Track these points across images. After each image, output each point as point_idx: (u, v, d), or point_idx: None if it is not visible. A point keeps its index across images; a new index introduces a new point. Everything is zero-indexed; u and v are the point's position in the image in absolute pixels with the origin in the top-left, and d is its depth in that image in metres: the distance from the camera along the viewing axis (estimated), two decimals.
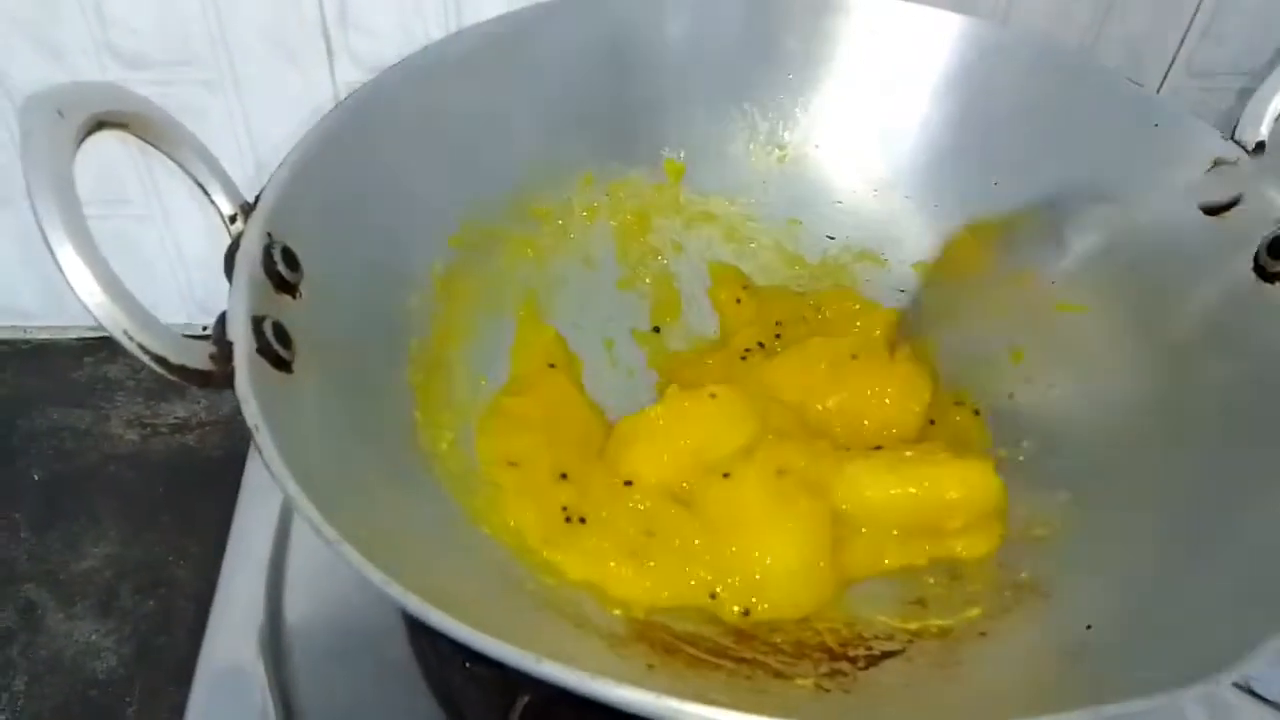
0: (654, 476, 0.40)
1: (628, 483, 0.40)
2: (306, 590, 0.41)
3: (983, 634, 0.35)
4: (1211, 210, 0.39)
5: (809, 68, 0.47)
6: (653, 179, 0.48)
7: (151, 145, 0.32)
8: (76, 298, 0.27)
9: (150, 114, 0.32)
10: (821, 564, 0.37)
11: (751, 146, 0.49)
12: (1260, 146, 0.39)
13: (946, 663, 0.34)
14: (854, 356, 0.43)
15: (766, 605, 0.36)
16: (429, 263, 0.42)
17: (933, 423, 0.43)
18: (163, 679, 0.46)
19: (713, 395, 0.41)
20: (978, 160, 0.46)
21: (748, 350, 0.46)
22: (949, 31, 0.45)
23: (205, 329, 0.30)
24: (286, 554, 0.42)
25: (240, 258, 0.32)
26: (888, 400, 0.42)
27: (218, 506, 0.47)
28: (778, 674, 0.34)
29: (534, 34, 0.43)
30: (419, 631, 0.39)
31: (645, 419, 0.41)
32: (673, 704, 0.24)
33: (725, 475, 0.39)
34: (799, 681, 0.33)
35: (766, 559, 0.37)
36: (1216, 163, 0.39)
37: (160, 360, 0.28)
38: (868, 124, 0.48)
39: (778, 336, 0.46)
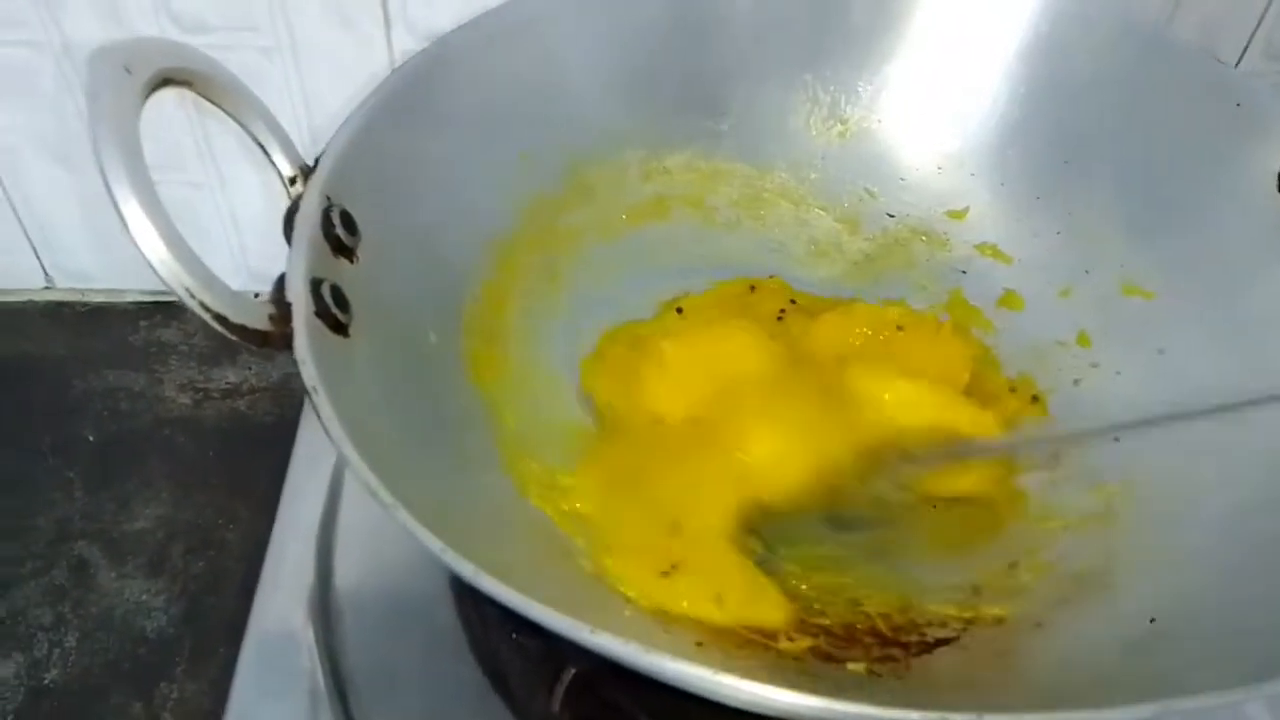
0: (675, 409, 0.40)
1: (654, 420, 0.40)
2: (356, 556, 0.41)
3: (1039, 624, 0.34)
4: None
5: (875, 40, 0.46)
6: (711, 150, 0.47)
7: (214, 104, 0.32)
8: (140, 253, 0.27)
9: (214, 73, 0.32)
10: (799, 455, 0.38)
11: (812, 120, 0.48)
12: None
13: (1002, 652, 0.33)
14: (900, 328, 0.42)
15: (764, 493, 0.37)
16: (486, 231, 0.41)
17: None
18: (211, 639, 0.46)
19: (726, 329, 0.42)
20: (1049, 139, 0.44)
21: (782, 310, 0.45)
22: (1023, 5, 0.44)
23: (257, 296, 0.30)
24: (336, 520, 0.43)
25: (299, 220, 0.32)
26: (929, 369, 0.42)
27: (267, 471, 0.47)
28: (828, 657, 0.33)
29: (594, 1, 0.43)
30: (466, 600, 0.39)
31: (660, 354, 0.41)
32: (729, 680, 0.24)
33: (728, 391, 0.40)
34: (850, 666, 0.33)
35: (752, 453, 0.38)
36: None
37: (220, 319, 0.28)
38: (934, 99, 0.46)
39: None
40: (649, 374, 0.41)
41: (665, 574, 0.35)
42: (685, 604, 0.35)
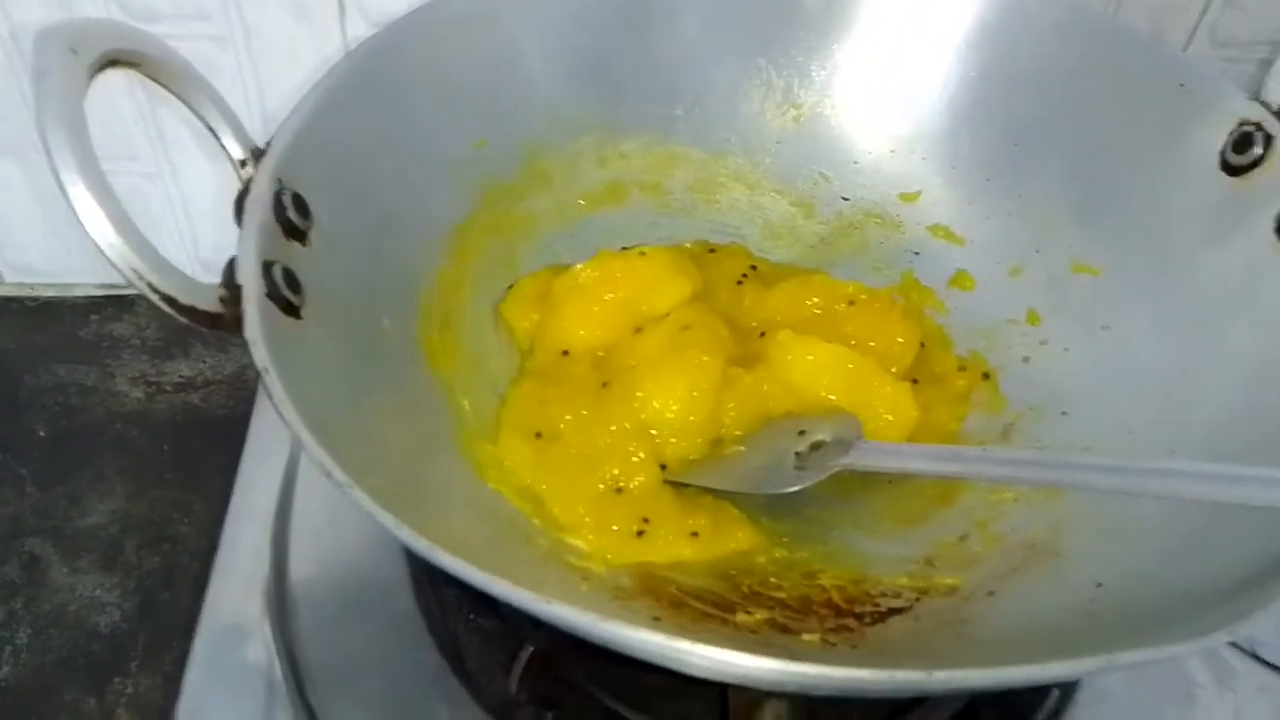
0: (587, 338, 0.41)
1: (564, 353, 0.41)
2: (311, 546, 0.41)
3: (991, 593, 0.35)
4: (1235, 170, 0.38)
5: (828, 25, 0.46)
6: (666, 135, 0.48)
7: (163, 86, 0.32)
8: (87, 236, 0.27)
9: (162, 54, 0.31)
10: (700, 418, 0.38)
11: (766, 105, 0.48)
12: None
13: (954, 620, 0.34)
14: (851, 303, 0.43)
15: (669, 453, 0.38)
16: (441, 216, 0.41)
17: (916, 382, 0.42)
18: (166, 634, 0.46)
19: (642, 253, 0.42)
20: (998, 122, 0.45)
21: (743, 276, 0.45)
22: None
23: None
24: (291, 509, 0.42)
25: (250, 202, 0.32)
26: (872, 345, 0.42)
27: (222, 465, 0.47)
28: (784, 629, 0.33)
29: None
30: (424, 584, 0.39)
31: (573, 276, 0.42)
32: (684, 645, 0.24)
33: (638, 330, 0.40)
34: (805, 636, 0.33)
35: (655, 403, 0.38)
36: (1242, 123, 0.38)
37: (169, 300, 0.28)
38: (886, 84, 0.47)
39: None
40: (563, 297, 0.41)
41: (640, 534, 0.36)
42: (664, 551, 0.36)
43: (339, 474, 0.26)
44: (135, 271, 0.27)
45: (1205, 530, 0.32)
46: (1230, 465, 0.29)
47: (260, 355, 0.28)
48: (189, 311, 0.28)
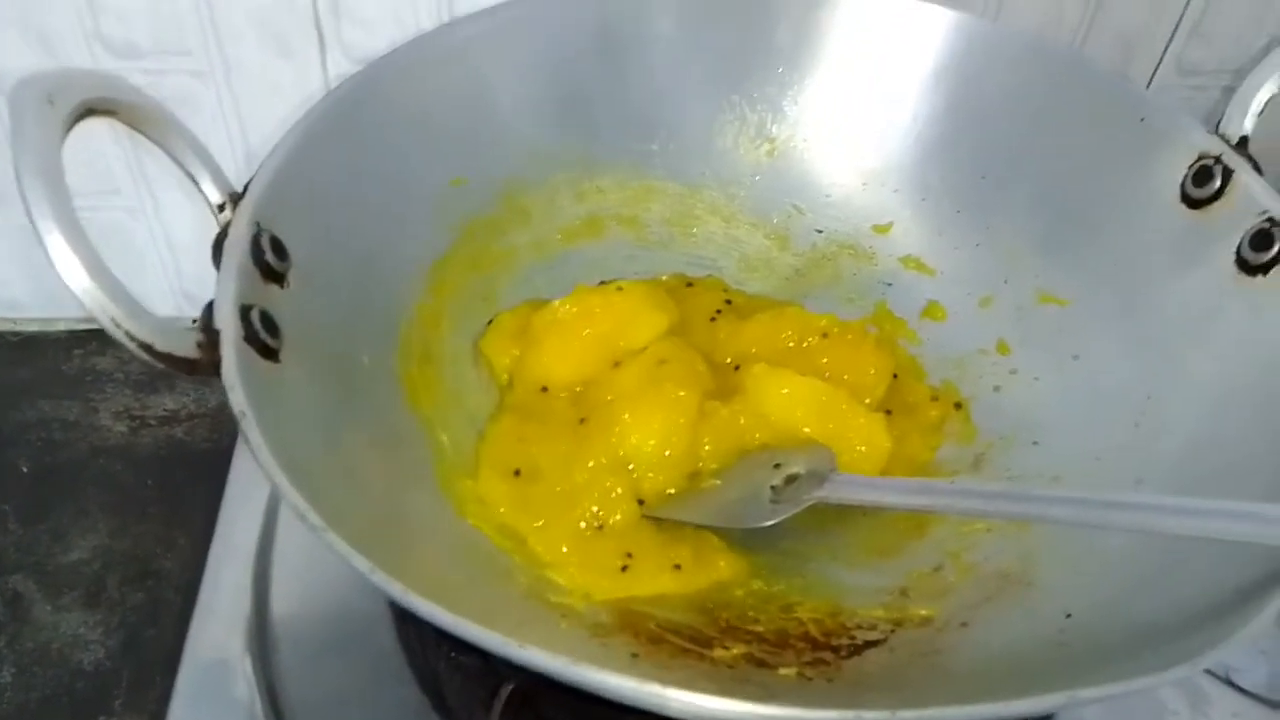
0: (565, 374, 0.41)
1: (543, 388, 0.41)
2: (293, 582, 0.41)
3: (964, 624, 0.35)
4: (1195, 203, 0.39)
5: (799, 61, 0.47)
6: (643, 170, 0.48)
7: (140, 133, 0.33)
8: (64, 284, 0.27)
9: (140, 102, 0.32)
10: (676, 452, 0.39)
11: (740, 139, 0.49)
12: (1244, 141, 0.39)
13: (928, 651, 0.34)
14: (824, 335, 0.43)
15: (646, 488, 0.38)
16: (420, 253, 0.42)
17: (890, 412, 0.43)
18: (150, 671, 0.45)
19: (619, 288, 0.43)
20: (966, 155, 0.46)
21: (718, 310, 0.46)
22: (938, 26, 0.45)
23: (194, 320, 0.30)
24: (273, 546, 0.42)
25: (228, 246, 0.32)
26: (846, 378, 0.42)
27: (206, 499, 0.47)
28: (761, 663, 0.34)
29: (523, 25, 0.44)
30: (405, 621, 0.39)
31: (551, 311, 0.42)
32: (655, 689, 0.25)
33: (616, 365, 0.41)
34: (781, 671, 0.33)
35: (632, 438, 0.38)
36: (1201, 157, 0.39)
37: (146, 347, 0.28)
38: (857, 118, 0.48)
39: None
40: (541, 333, 0.42)
41: (624, 569, 0.37)
42: (648, 585, 0.36)
43: (314, 518, 0.27)
44: (112, 319, 0.28)
45: (1173, 560, 0.33)
46: (1194, 499, 0.30)
47: (238, 400, 0.29)
48: (166, 358, 0.29)
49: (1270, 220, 0.37)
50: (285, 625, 0.40)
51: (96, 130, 0.46)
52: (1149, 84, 0.56)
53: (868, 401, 0.42)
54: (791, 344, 0.43)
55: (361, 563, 0.26)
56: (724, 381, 0.42)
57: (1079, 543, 0.35)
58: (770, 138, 0.49)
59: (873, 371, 0.42)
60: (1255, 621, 0.28)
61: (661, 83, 0.47)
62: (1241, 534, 0.29)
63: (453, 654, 0.37)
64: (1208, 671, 0.42)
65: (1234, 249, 0.37)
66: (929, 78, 0.46)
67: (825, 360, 0.42)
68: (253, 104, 0.51)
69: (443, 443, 0.39)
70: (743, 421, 0.40)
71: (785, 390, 0.40)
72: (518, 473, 0.38)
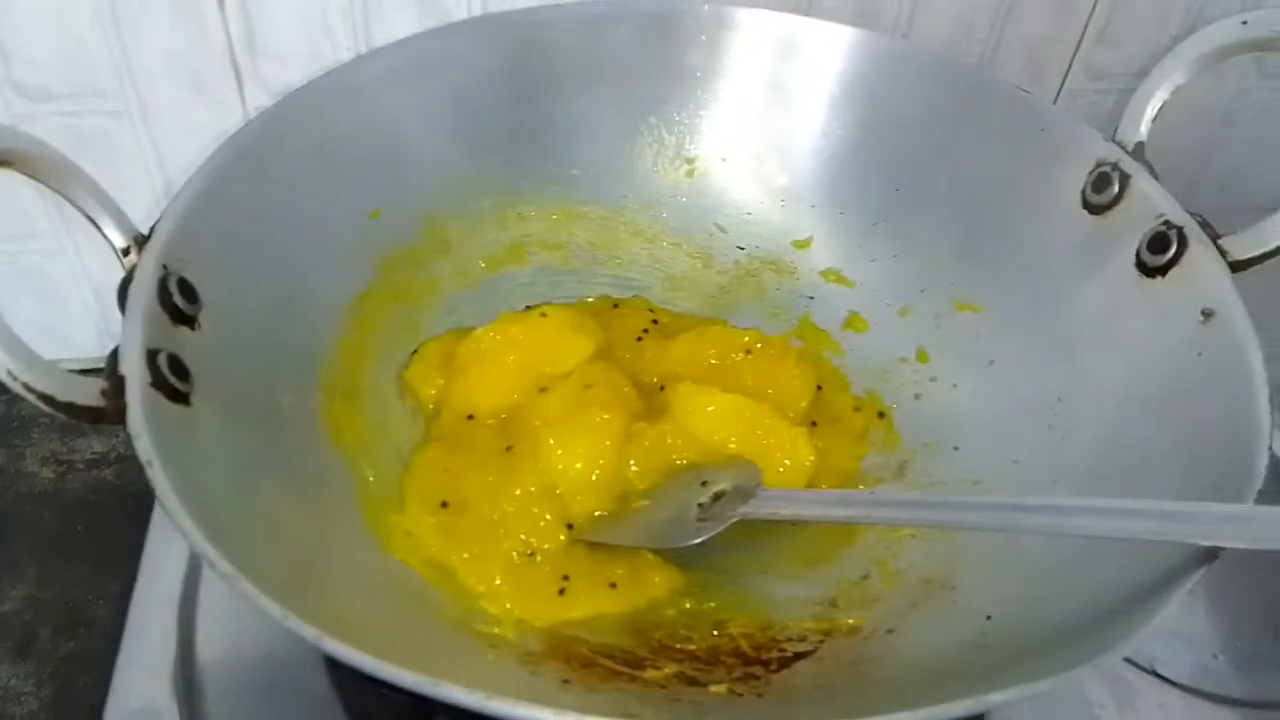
0: (491, 402, 0.41)
1: (469, 416, 0.41)
2: (220, 626, 0.41)
3: (891, 631, 0.36)
4: (1096, 209, 0.40)
5: (709, 82, 0.48)
6: (564, 195, 0.48)
7: (39, 182, 0.32)
8: None
9: (34, 151, 0.31)
10: (604, 474, 0.39)
11: (660, 161, 0.49)
12: (1140, 147, 0.41)
13: (856, 660, 0.35)
14: (748, 351, 0.44)
15: (575, 511, 0.39)
16: (339, 287, 0.42)
17: (815, 424, 0.43)
18: None
19: (543, 314, 0.43)
20: (880, 168, 0.47)
21: (645, 331, 0.46)
22: (844, 44, 0.46)
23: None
24: (198, 589, 0.42)
25: (133, 290, 0.32)
26: (770, 392, 0.43)
27: (137, 543, 0.46)
28: (692, 681, 0.34)
29: (432, 58, 0.44)
30: (336, 661, 0.38)
31: (476, 340, 0.42)
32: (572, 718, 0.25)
33: (542, 390, 0.41)
34: (713, 688, 0.34)
35: (559, 463, 0.39)
36: (1099, 164, 0.40)
37: (47, 399, 0.28)
38: (771, 136, 0.48)
39: None
40: (466, 361, 0.42)
41: (561, 592, 0.37)
42: (585, 606, 0.37)
43: (224, 565, 0.26)
44: (9, 372, 0.27)
45: (1086, 558, 0.33)
46: (1100, 500, 0.31)
47: (144, 448, 0.28)
48: (68, 408, 0.28)
49: (1166, 223, 0.38)
50: (213, 669, 0.39)
51: (12, 176, 0.45)
52: (1060, 90, 0.57)
53: (792, 415, 0.43)
54: (715, 361, 0.43)
55: (274, 609, 0.26)
56: (651, 402, 0.42)
57: (998, 546, 0.36)
58: (689, 158, 0.49)
59: (797, 385, 0.43)
60: (1163, 612, 0.28)
61: (576, 109, 0.47)
62: (1144, 531, 0.30)
63: (383, 690, 0.36)
64: (1132, 664, 0.43)
65: (1134, 252, 0.39)
66: (838, 94, 0.47)
67: (750, 376, 0.43)
68: (171, 143, 0.51)
69: (368, 478, 0.38)
70: (669, 441, 0.40)
71: (710, 408, 0.40)
72: (445, 504, 0.38)
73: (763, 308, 0.48)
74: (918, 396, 0.44)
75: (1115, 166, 0.40)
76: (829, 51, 0.47)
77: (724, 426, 0.40)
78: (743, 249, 0.49)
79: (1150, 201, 0.39)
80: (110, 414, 0.29)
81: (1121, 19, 0.56)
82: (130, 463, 0.55)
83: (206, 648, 0.40)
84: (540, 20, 0.46)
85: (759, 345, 0.44)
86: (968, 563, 0.37)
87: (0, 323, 0.27)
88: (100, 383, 0.29)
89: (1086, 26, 0.56)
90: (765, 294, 0.48)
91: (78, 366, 0.30)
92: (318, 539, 0.34)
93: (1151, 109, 0.41)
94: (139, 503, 0.52)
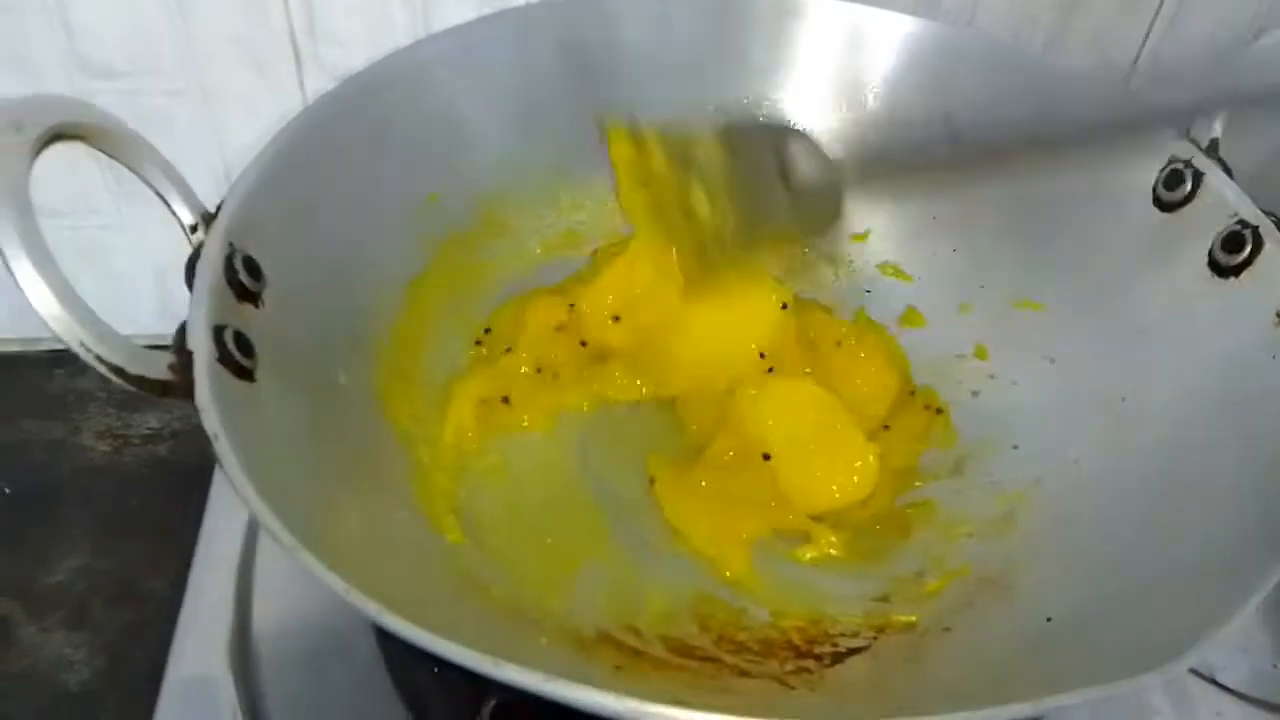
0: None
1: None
2: (275, 598, 0.41)
3: (947, 629, 0.35)
4: (1167, 206, 0.39)
5: (771, 71, 0.48)
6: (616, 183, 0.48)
7: (110, 157, 0.33)
8: (34, 311, 0.27)
9: (108, 126, 0.32)
10: None
11: None
12: (1214, 144, 0.40)
13: (910, 658, 0.34)
14: (838, 343, 0.44)
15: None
16: (396, 269, 0.42)
17: (887, 428, 0.43)
18: (136, 691, 0.45)
19: None
20: (943, 160, 0.46)
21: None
22: (908, 34, 0.46)
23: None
24: (254, 562, 0.42)
25: (201, 267, 0.32)
26: (857, 382, 0.43)
27: (190, 517, 0.47)
28: (744, 673, 0.34)
29: (491, 42, 0.44)
30: (387, 636, 0.39)
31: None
32: (633, 704, 0.25)
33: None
34: (765, 680, 0.33)
35: None
36: (1171, 160, 0.39)
37: (117, 370, 0.28)
38: (831, 126, 0.48)
39: None
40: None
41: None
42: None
43: (288, 539, 0.27)
44: (81, 343, 0.28)
45: (1152, 561, 0.33)
46: None
47: (211, 422, 0.29)
48: (138, 380, 0.29)
49: (1241, 222, 0.37)
50: (268, 641, 0.40)
51: (75, 149, 0.46)
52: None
53: (869, 417, 0.43)
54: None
55: (337, 583, 0.26)
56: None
57: (1059, 547, 0.36)
58: None
59: (877, 387, 0.43)
60: (1235, 619, 0.28)
61: (634, 96, 0.47)
62: None
63: (435, 668, 0.37)
64: (1191, 670, 0.42)
65: (1206, 251, 0.38)
66: (901, 85, 0.46)
67: (837, 365, 0.43)
68: (230, 123, 0.51)
69: (420, 458, 0.39)
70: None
71: (788, 399, 0.41)
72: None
73: (819, 300, 0.47)
74: (975, 393, 0.43)
75: (1188, 163, 0.39)
76: (894, 41, 0.46)
77: (798, 418, 0.40)
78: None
79: (1224, 200, 0.38)
80: (178, 388, 0.29)
81: (1189, 13, 0.54)
82: (184, 438, 0.56)
83: (261, 619, 0.40)
84: (601, 7, 0.46)
85: (852, 340, 0.44)
86: (1027, 562, 0.36)
87: (75, 297, 0.27)
88: (168, 357, 0.30)
89: (1154, 19, 0.55)
90: (823, 286, 0.48)
91: (136, 342, 0.31)
92: (374, 515, 0.35)
93: None
94: (192, 478, 0.52)
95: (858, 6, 0.46)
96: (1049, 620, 0.33)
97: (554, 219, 0.47)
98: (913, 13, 0.46)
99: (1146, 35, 0.55)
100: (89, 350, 0.28)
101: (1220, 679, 0.41)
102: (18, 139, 0.28)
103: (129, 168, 0.33)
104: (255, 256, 0.34)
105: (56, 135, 0.30)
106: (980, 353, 0.44)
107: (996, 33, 0.52)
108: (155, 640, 0.47)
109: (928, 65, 0.46)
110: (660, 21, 0.46)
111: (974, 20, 0.51)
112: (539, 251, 0.47)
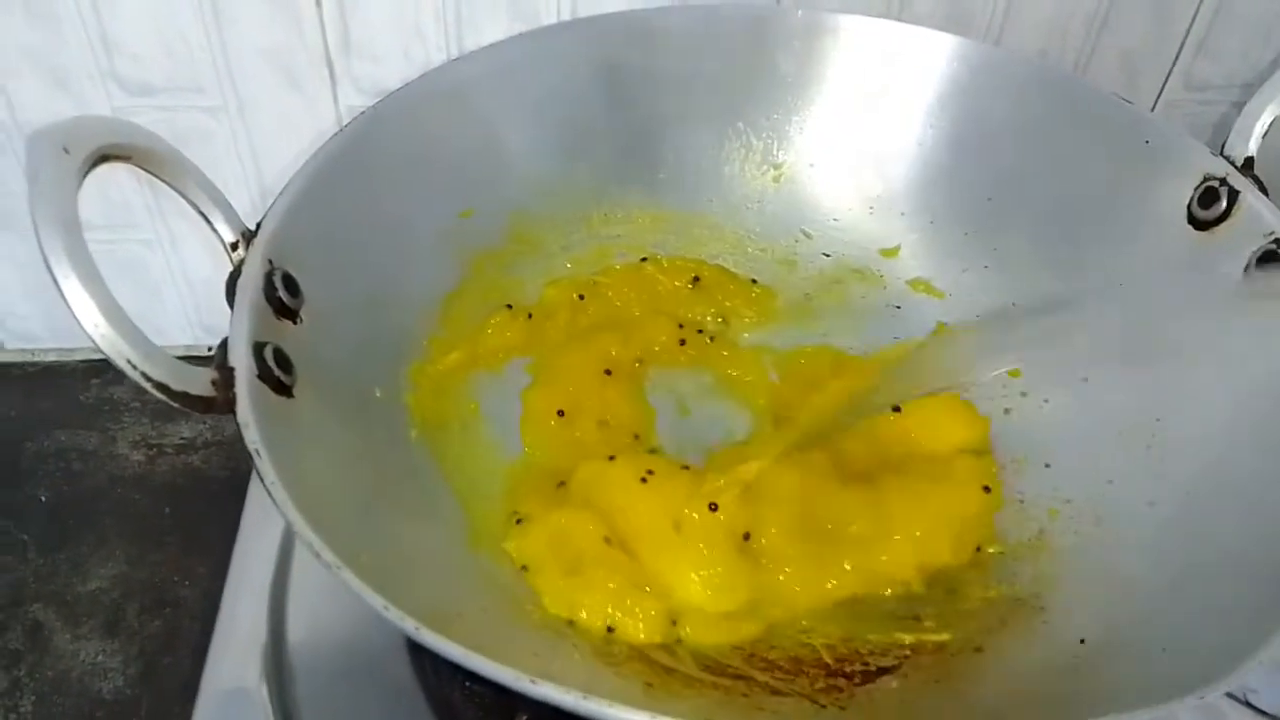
0: None
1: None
2: (309, 610, 0.41)
3: (978, 649, 0.35)
4: (1201, 225, 0.39)
5: (803, 88, 0.48)
6: (650, 198, 0.49)
7: (154, 176, 0.33)
8: (81, 328, 0.28)
9: (153, 146, 0.32)
10: None
11: (747, 166, 0.49)
12: (1249, 162, 0.39)
13: (942, 678, 0.34)
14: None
15: None
16: (430, 286, 0.42)
17: None
18: (168, 699, 0.46)
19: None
20: (972, 178, 0.46)
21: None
22: (939, 51, 0.46)
23: (210, 350, 0.31)
24: (289, 574, 0.43)
25: (241, 285, 0.33)
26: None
27: (223, 527, 0.47)
28: (774, 691, 0.34)
29: (525, 61, 0.44)
30: (420, 651, 0.39)
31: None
32: None
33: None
34: (795, 699, 0.33)
35: None
36: (1206, 179, 0.39)
37: (162, 388, 0.29)
38: (862, 143, 0.48)
39: None
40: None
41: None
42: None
43: (329, 555, 0.27)
44: (128, 361, 0.28)
45: (1187, 583, 0.33)
46: None
47: (252, 437, 0.29)
48: (181, 397, 0.29)
49: (1277, 241, 0.37)
50: (301, 654, 0.40)
51: (114, 166, 0.47)
52: (1157, 99, 0.56)
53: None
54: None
55: (376, 600, 0.26)
56: None
57: (1092, 567, 0.35)
58: (776, 164, 0.49)
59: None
60: (1274, 643, 0.27)
61: (666, 113, 0.47)
62: None
63: (467, 684, 0.37)
64: (1227, 693, 0.41)
65: (1242, 270, 0.37)
66: (933, 102, 0.46)
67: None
68: (266, 139, 0.52)
69: (458, 473, 0.39)
70: None
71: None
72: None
73: (848, 316, 0.48)
74: (1007, 411, 0.43)
75: (1223, 181, 0.39)
76: (925, 59, 0.46)
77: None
78: (829, 256, 0.49)
79: (1260, 218, 0.38)
80: (220, 404, 0.30)
81: (1222, 30, 0.54)
82: (217, 449, 0.57)
83: (296, 632, 0.41)
84: (633, 26, 0.46)
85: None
86: (1060, 583, 0.36)
87: (122, 315, 0.28)
88: (210, 373, 0.30)
89: (1186, 37, 0.54)
90: (851, 302, 0.48)
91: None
92: (409, 530, 0.35)
93: (1262, 124, 0.39)
94: (225, 488, 0.53)
95: (888, 23, 0.46)
96: (1082, 641, 0.33)
97: (584, 235, 0.48)
98: (941, 29, 0.46)
99: (1177, 54, 0.55)
100: (135, 368, 0.28)
101: (1255, 702, 0.41)
102: (66, 162, 0.29)
103: (173, 187, 0.34)
104: (294, 274, 0.34)
105: (103, 157, 0.30)
106: (1012, 370, 0.44)
107: (1026, 51, 0.52)
108: (187, 648, 0.47)
109: (959, 83, 0.46)
110: (689, 41, 0.46)
111: (1002, 39, 0.51)
112: (569, 267, 0.47)
